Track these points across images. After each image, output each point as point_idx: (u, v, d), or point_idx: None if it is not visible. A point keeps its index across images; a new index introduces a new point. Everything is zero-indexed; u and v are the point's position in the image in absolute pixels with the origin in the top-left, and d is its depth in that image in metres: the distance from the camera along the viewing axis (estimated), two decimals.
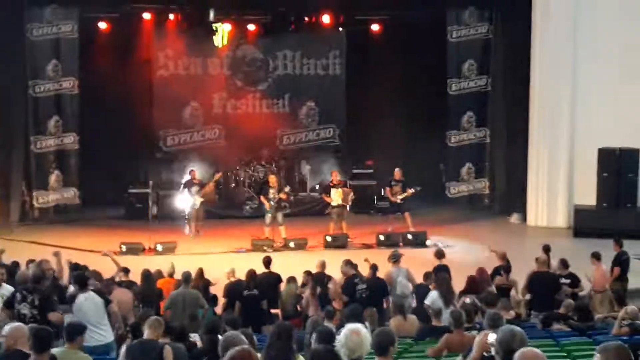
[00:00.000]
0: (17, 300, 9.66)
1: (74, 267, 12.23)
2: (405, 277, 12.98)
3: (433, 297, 11.64)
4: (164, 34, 22.72)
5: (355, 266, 13.02)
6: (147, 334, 7.96)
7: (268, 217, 18.63)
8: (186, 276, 11.92)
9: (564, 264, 13.17)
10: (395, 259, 13.32)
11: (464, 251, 17.81)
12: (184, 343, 8.43)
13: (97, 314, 9.71)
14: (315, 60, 23.76)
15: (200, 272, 13.01)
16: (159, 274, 13.31)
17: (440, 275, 12.37)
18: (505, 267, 13.29)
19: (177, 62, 22.98)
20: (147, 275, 12.54)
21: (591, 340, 9.79)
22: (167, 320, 11.03)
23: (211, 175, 20.75)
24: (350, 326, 5.74)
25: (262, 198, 19.12)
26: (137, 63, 22.54)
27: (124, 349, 8.05)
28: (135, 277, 12.78)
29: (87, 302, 9.76)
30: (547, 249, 13.70)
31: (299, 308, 13.00)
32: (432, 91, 23.28)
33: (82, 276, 10.36)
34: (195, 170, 19.82)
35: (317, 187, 22.34)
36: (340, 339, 5.59)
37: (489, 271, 13.38)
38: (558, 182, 20.64)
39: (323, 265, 13.33)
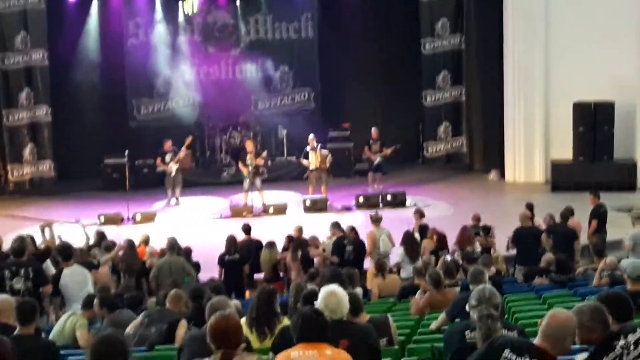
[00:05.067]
0: (7, 277, 9.68)
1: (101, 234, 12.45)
2: (387, 237, 13.28)
3: (400, 254, 12.17)
4: (133, 1, 22.50)
5: (341, 228, 13.17)
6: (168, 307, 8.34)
7: (246, 183, 18.64)
8: (172, 243, 11.91)
9: (551, 217, 13.35)
10: (376, 220, 13.53)
11: (444, 210, 17.97)
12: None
13: (83, 285, 9.83)
14: (287, 24, 23.57)
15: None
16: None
17: (405, 232, 12.76)
18: (484, 228, 13.43)
19: (147, 30, 22.76)
20: (131, 245, 12.56)
21: (572, 292, 9.95)
22: (153, 289, 11.17)
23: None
24: (326, 288, 5.83)
25: (239, 164, 19.12)
26: (107, 32, 22.33)
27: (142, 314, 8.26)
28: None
29: (74, 275, 9.83)
30: (530, 206, 13.81)
31: (280, 272, 13.12)
32: (406, 51, 23.29)
33: (66, 249, 10.36)
34: (169, 140, 19.66)
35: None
36: (319, 301, 5.66)
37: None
38: (534, 138, 20.76)
39: (300, 230, 13.45)
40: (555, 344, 4.58)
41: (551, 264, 11.25)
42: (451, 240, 13.34)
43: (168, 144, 19.51)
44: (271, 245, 13.18)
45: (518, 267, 12.53)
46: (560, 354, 4.63)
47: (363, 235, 13.31)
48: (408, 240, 12.70)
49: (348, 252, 12.59)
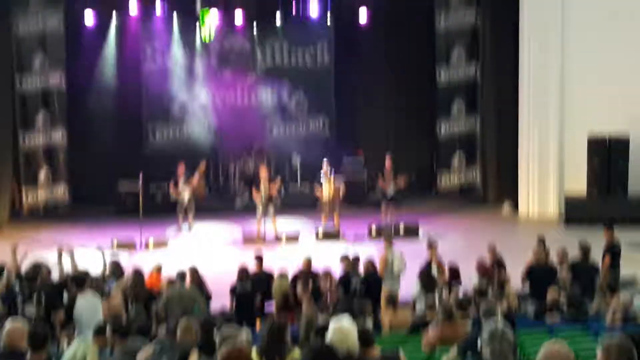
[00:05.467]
0: (20, 302, 9.74)
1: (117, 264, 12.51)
2: (399, 258, 13.34)
3: (417, 290, 12.14)
4: (150, 26, 22.72)
5: (349, 261, 13.14)
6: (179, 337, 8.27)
7: (259, 210, 18.67)
8: (181, 274, 11.97)
9: (564, 252, 13.28)
10: (389, 240, 13.73)
11: (457, 242, 17.93)
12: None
13: (95, 313, 9.86)
14: (303, 50, 23.72)
15: (194, 271, 13.02)
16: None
17: (422, 267, 12.76)
18: (498, 263, 13.28)
19: (164, 55, 22.97)
20: (138, 273, 12.58)
21: (585, 329, 9.89)
22: (161, 318, 11.17)
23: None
24: (334, 322, 5.86)
25: (253, 191, 19.17)
26: (125, 56, 22.53)
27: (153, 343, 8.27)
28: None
29: (87, 302, 9.88)
30: (542, 241, 13.75)
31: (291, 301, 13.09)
32: (421, 80, 23.36)
33: (80, 276, 10.42)
34: (182, 164, 19.73)
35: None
36: (328, 334, 5.69)
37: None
38: (548, 170, 20.73)
39: (309, 262, 13.36)
40: None
41: (556, 300, 11.19)
42: (463, 273, 13.28)
43: (181, 167, 19.53)
44: (282, 275, 13.18)
45: (531, 303, 12.45)
46: None
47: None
48: (424, 275, 12.65)
49: (354, 284, 12.56)
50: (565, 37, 20.41)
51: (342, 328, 5.75)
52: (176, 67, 22.86)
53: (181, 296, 11.51)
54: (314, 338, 6.67)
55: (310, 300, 11.61)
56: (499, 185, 22.34)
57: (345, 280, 12.68)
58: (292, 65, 23.79)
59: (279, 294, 12.92)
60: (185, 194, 19.29)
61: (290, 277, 13.16)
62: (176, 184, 19.37)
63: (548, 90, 20.61)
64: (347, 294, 12.17)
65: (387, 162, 19.72)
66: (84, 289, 10.09)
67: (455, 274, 13.27)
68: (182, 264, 12.82)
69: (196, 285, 12.39)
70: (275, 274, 13.20)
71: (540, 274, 12.63)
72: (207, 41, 22.83)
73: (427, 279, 12.57)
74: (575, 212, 19.63)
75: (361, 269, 12.97)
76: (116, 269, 12.63)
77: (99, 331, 8.83)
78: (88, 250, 15.46)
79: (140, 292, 12.19)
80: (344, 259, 13.29)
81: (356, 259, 13.17)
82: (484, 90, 22.75)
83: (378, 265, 13.14)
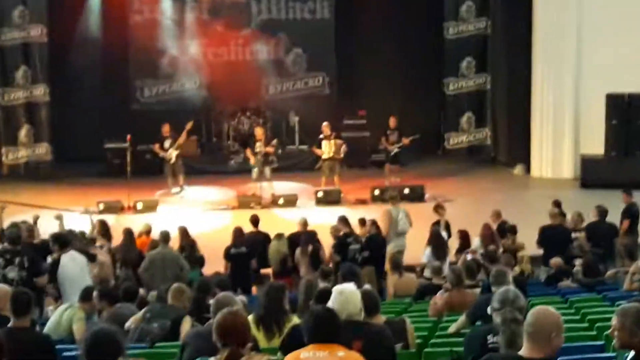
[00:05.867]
0: (1, 265, 9.73)
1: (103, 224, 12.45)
2: (405, 215, 13.34)
3: (427, 254, 12.11)
4: None
5: (348, 223, 13.10)
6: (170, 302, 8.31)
7: (255, 172, 18.62)
8: (165, 235, 11.89)
9: (579, 216, 13.29)
10: (393, 197, 13.72)
11: (466, 206, 17.91)
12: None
13: (81, 275, 9.85)
14: (301, 4, 23.53)
15: (184, 231, 13.03)
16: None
17: (432, 230, 12.75)
18: (510, 228, 13.26)
19: (153, 7, 22.79)
20: (129, 234, 12.58)
21: (601, 296, 9.92)
22: (145, 283, 11.17)
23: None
24: (337, 287, 5.91)
25: (247, 152, 19.12)
26: (110, 8, 22.35)
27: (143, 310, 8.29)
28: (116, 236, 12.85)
29: (71, 264, 9.87)
30: (558, 204, 13.75)
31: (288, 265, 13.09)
32: (428, 35, 23.24)
33: (62, 236, 10.40)
34: (167, 124, 19.50)
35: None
36: (331, 300, 5.69)
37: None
38: (564, 130, 20.65)
39: (305, 223, 13.35)
40: (541, 344, 4.60)
41: (559, 267, 11.23)
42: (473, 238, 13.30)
43: (166, 128, 19.33)
44: (280, 237, 13.15)
45: (544, 268, 12.50)
46: (551, 355, 4.64)
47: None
48: (435, 239, 12.63)
49: (353, 250, 12.51)
50: None
51: (342, 291, 5.74)
52: (165, 19, 22.69)
53: (164, 259, 11.46)
54: (315, 303, 6.65)
55: (309, 264, 11.61)
56: (511, 145, 22.30)
57: (342, 244, 12.62)
58: (289, 19, 23.63)
59: (276, 257, 12.94)
60: (172, 154, 19.15)
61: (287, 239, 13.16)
62: (162, 145, 19.21)
63: (563, 45, 20.44)
64: (344, 261, 12.08)
65: (392, 122, 19.63)
66: (66, 249, 10.05)
67: (465, 238, 13.25)
68: (172, 228, 12.77)
69: (187, 246, 12.39)
70: (272, 236, 13.20)
71: (555, 238, 12.64)
72: None
73: (439, 246, 12.53)
74: (592, 175, 19.58)
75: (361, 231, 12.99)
76: (104, 230, 12.62)
77: (86, 296, 8.83)
78: (73, 215, 15.45)
79: (130, 255, 12.21)
80: (342, 220, 13.19)
81: (361, 222, 13.16)
82: (495, 46, 22.61)
83: (382, 224, 13.11)
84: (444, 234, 13.27)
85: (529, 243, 13.15)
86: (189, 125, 19.56)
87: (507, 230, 13.24)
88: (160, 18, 22.75)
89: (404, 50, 23.26)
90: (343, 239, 12.74)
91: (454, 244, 13.23)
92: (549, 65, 20.67)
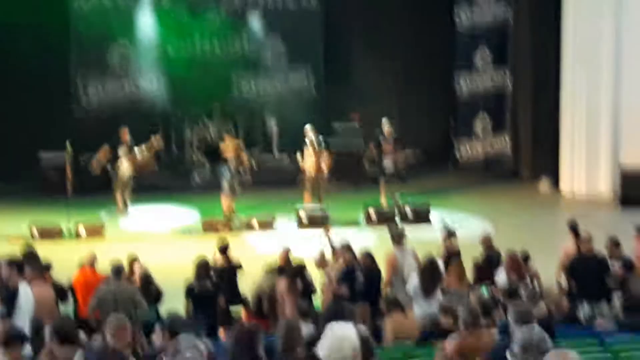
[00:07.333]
0: None
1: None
2: (412, 257, 13.15)
3: (413, 287, 11.98)
4: None
5: (353, 251, 13.09)
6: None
7: (225, 187, 18.62)
8: (117, 268, 11.86)
9: (614, 243, 13.26)
10: (398, 235, 13.39)
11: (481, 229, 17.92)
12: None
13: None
14: None
15: (135, 261, 12.98)
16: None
17: (425, 261, 12.58)
18: (524, 256, 13.24)
19: None
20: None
21: None
22: (97, 322, 11.11)
23: (147, 139, 20.45)
24: (336, 330, 5.90)
25: (214, 164, 19.16)
26: None
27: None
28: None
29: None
30: (574, 227, 13.70)
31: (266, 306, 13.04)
32: (435, 24, 23.35)
33: None
34: (126, 129, 19.55)
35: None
36: (324, 344, 5.65)
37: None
38: (599, 138, 20.78)
39: (287, 255, 13.31)
40: None
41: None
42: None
43: (125, 133, 19.45)
44: (271, 271, 13.07)
45: (581, 304, 12.42)
46: None
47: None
48: (427, 270, 12.46)
49: (359, 283, 12.50)
50: None
51: (336, 335, 5.70)
52: (116, 3, 22.67)
53: (116, 297, 11.40)
54: (301, 350, 6.61)
55: (296, 303, 11.54)
56: (535, 157, 22.40)
57: (350, 275, 12.59)
58: (268, 6, 23.67)
59: (259, 294, 12.88)
60: (125, 168, 19.13)
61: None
62: (114, 152, 19.20)
63: (600, 35, 20.56)
64: (352, 293, 12.09)
65: (386, 128, 19.64)
66: None
67: (481, 271, 13.18)
68: (122, 257, 12.71)
69: (141, 281, 12.32)
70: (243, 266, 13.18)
71: (588, 268, 12.58)
72: None
73: (429, 278, 12.32)
74: (633, 191, 19.68)
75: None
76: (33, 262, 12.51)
77: (10, 342, 8.71)
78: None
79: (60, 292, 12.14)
80: (346, 248, 13.15)
81: (367, 255, 13.07)
82: (517, 36, 22.70)
83: (385, 270, 13.03)
84: (441, 263, 13.12)
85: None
86: (155, 142, 19.57)
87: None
88: (109, 3, 22.74)
89: (406, 42, 23.47)
90: (351, 268, 12.71)
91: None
92: (582, 59, 20.76)
